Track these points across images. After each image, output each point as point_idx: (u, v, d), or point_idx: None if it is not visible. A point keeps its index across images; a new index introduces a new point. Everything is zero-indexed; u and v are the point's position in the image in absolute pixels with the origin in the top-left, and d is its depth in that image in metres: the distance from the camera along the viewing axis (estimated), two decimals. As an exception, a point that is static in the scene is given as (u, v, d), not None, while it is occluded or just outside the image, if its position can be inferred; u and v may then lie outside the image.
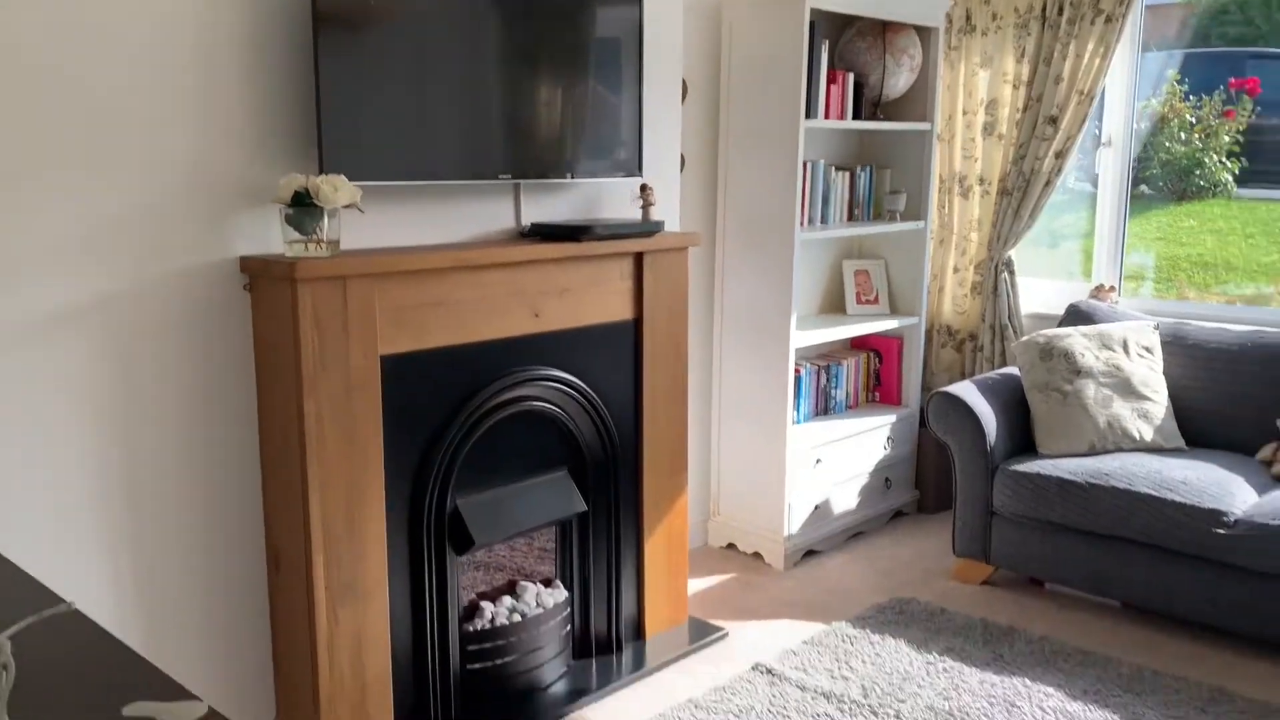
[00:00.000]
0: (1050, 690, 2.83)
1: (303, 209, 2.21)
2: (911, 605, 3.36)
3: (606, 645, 3.03)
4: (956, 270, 4.33)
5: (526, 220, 2.85)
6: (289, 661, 2.45)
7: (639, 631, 3.11)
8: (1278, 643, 2.96)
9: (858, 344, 4.27)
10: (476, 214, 2.74)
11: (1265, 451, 3.33)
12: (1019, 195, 4.07)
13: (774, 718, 2.71)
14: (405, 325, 2.43)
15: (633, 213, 3.11)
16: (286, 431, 2.32)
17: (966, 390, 3.51)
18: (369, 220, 2.50)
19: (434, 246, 2.58)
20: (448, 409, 2.55)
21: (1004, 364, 4.17)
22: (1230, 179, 7.20)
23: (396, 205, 2.57)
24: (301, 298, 2.22)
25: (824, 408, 4.04)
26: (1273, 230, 7.18)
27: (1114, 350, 3.52)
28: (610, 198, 3.07)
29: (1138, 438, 3.41)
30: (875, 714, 2.72)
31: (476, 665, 2.70)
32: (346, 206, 2.26)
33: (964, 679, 2.90)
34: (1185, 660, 3.01)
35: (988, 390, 3.55)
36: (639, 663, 2.98)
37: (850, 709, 2.74)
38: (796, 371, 3.76)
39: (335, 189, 2.20)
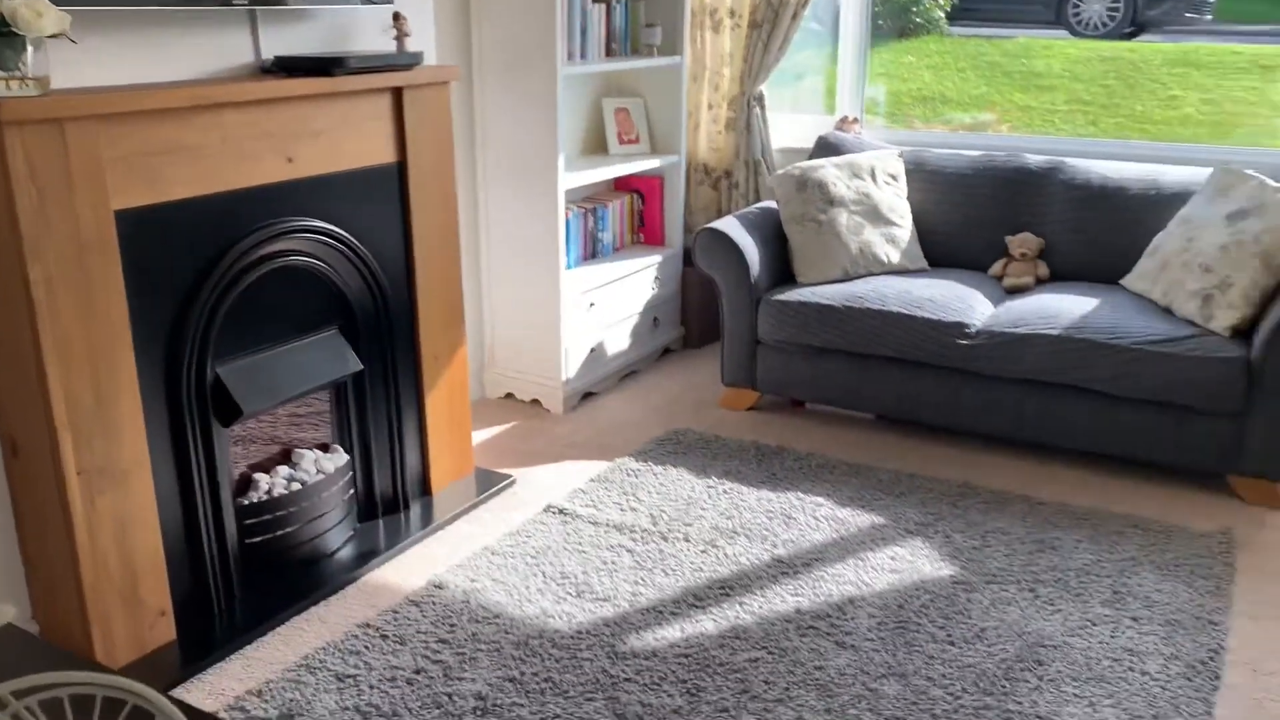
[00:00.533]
0: (821, 500, 3.03)
1: (0, 39, 1.87)
2: (687, 435, 3.47)
3: (393, 505, 2.95)
4: (711, 107, 4.35)
5: (268, 54, 2.57)
6: (42, 555, 2.22)
7: (425, 488, 3.05)
8: (1011, 439, 3.29)
9: (620, 185, 4.24)
10: (209, 47, 2.44)
11: (996, 267, 3.62)
12: (768, 28, 4.10)
13: (570, 553, 2.75)
14: (140, 175, 2.15)
15: (386, 45, 2.88)
16: (12, 302, 2.03)
17: (730, 225, 3.58)
18: (83, 54, 2.16)
19: (165, 84, 2.28)
20: (199, 267, 2.31)
21: (759, 199, 4.28)
22: (943, 16, 7.59)
23: (115, 37, 2.23)
24: (10, 145, 1.90)
25: (592, 252, 4.01)
26: (980, 65, 7.68)
27: (863, 179, 3.68)
28: (360, 30, 2.82)
29: (886, 261, 3.61)
30: (665, 539, 2.82)
31: (257, 539, 2.56)
32: (54, 36, 1.93)
33: (743, 498, 3.04)
34: (935, 462, 3.30)
35: (749, 225, 3.64)
36: (428, 518, 2.93)
37: (642, 537, 2.83)
38: (565, 215, 3.69)
39: (39, 14, 1.87)
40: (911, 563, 2.70)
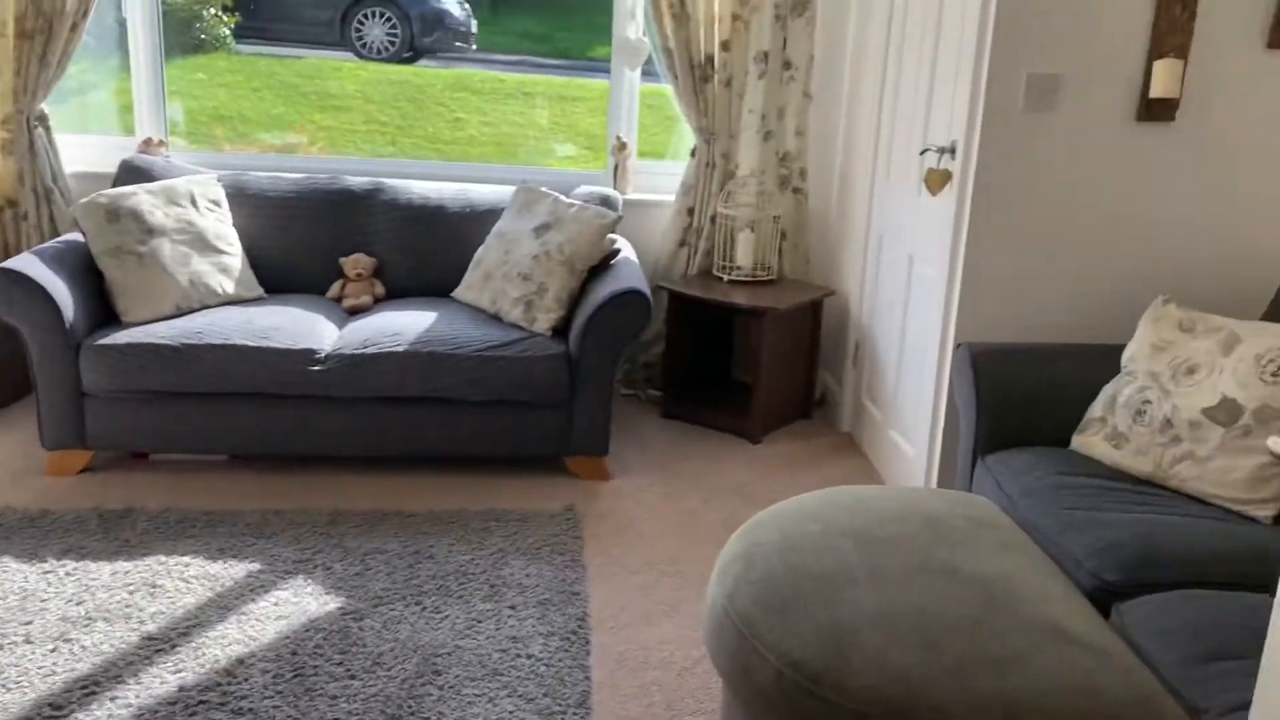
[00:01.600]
0: (187, 559, 2.77)
1: None
2: (7, 516, 2.93)
3: None
4: (-22, 126, 3.70)
5: None
6: None
7: None
8: (375, 458, 3.33)
9: None
10: None
11: (335, 289, 3.63)
12: (43, 39, 3.61)
13: None
14: None
15: None
16: None
17: (29, 264, 3.08)
18: None
19: None
20: None
21: (57, 233, 3.76)
22: (229, 33, 7.38)
23: None
24: None
25: None
26: (275, 84, 7.63)
27: (182, 206, 3.42)
28: None
29: (221, 292, 3.41)
30: (0, 647, 2.35)
31: None
32: None
33: (93, 576, 2.66)
34: (302, 494, 3.21)
35: (53, 262, 3.17)
36: None
37: (-33, 653, 2.32)
38: None
39: None
40: (297, 604, 2.60)
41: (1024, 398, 2.63)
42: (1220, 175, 2.87)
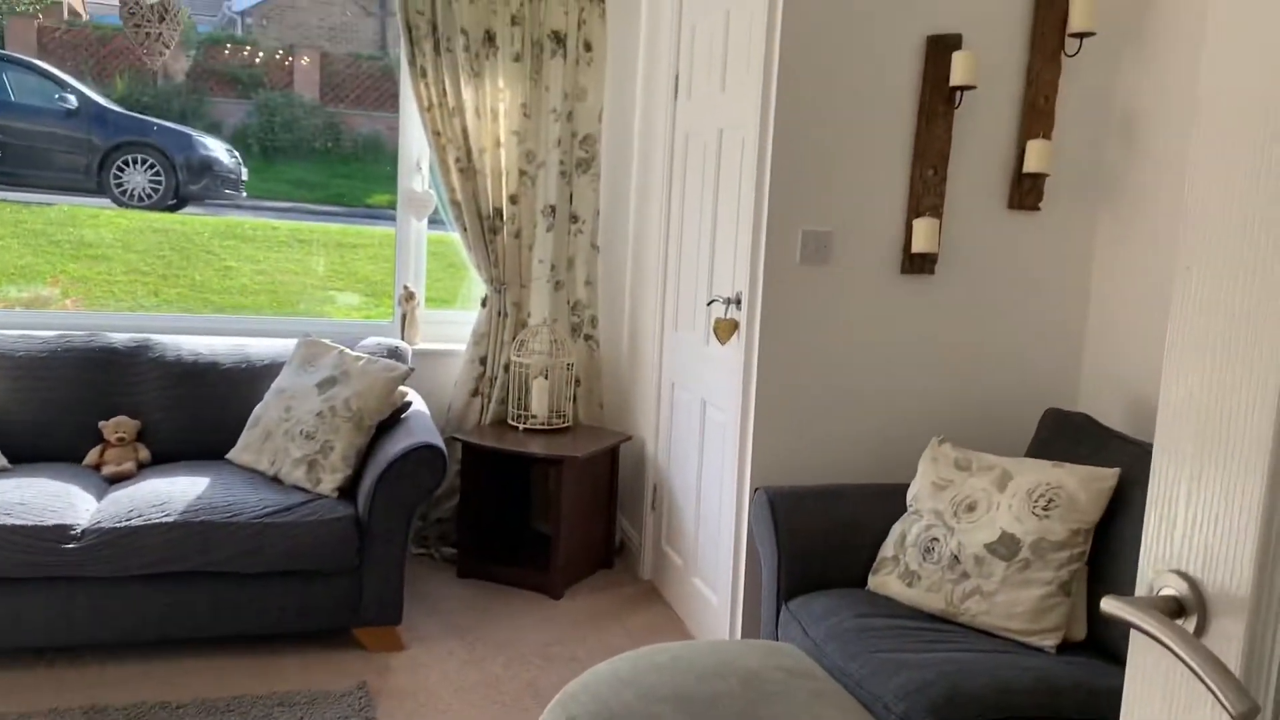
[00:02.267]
0: (-98, 783, 2.36)
1: None
2: None
3: None
4: None
5: None
6: None
7: None
8: (138, 642, 3.00)
9: None
10: None
11: (92, 455, 3.31)
12: None
13: None
14: None
15: None
16: None
17: None
18: None
19: None
20: None
21: None
22: (-29, 180, 6.87)
23: None
24: None
25: None
26: (21, 232, 7.12)
27: (-90, 370, 3.06)
28: None
29: (-45, 464, 3.04)
30: None
31: None
32: None
33: None
34: (54, 691, 2.83)
35: None
36: None
37: None
38: None
39: None
40: (43, 825, 2.25)
41: (822, 541, 2.68)
42: (977, 322, 3.12)
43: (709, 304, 3.23)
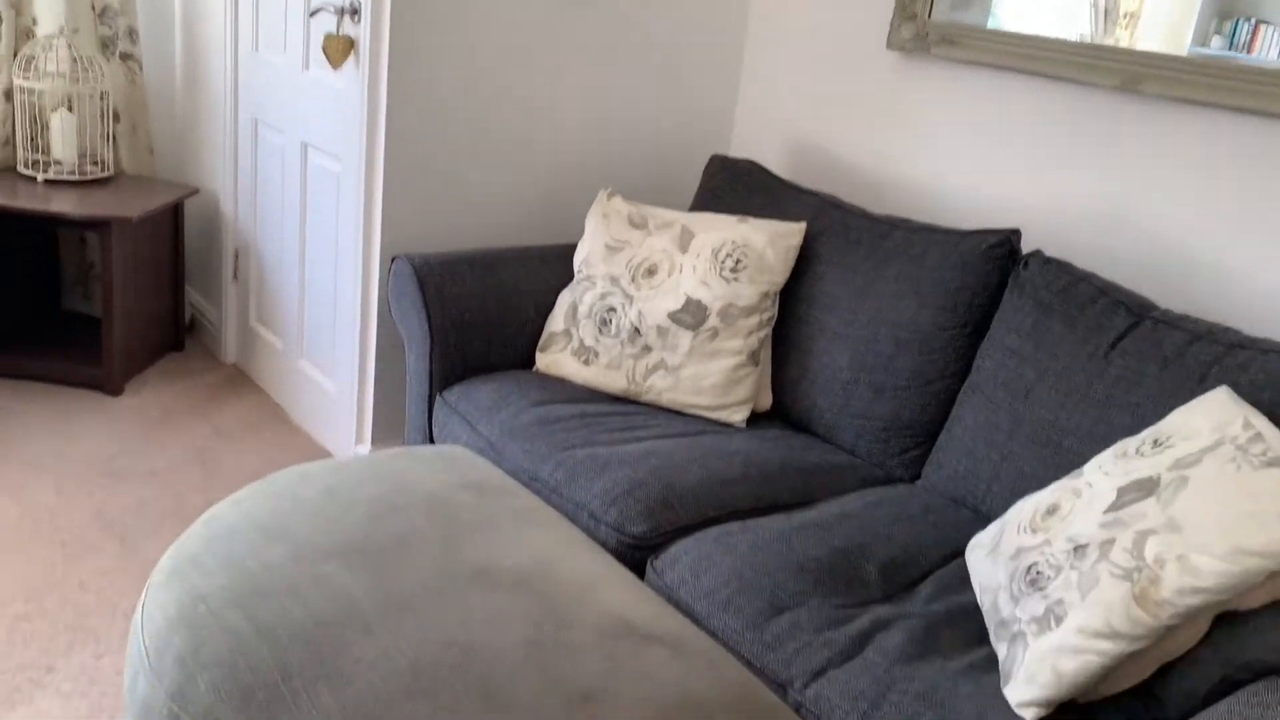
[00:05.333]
0: None
1: None
2: None
3: None
4: None
5: None
6: None
7: None
8: None
9: None
10: None
11: None
12: None
13: None
14: None
15: None
16: None
17: None
18: None
19: None
20: None
21: None
22: None
23: None
24: None
25: None
26: None
27: None
28: None
29: None
30: None
31: None
32: None
33: None
34: None
35: None
36: None
37: None
38: None
39: None
40: None
41: (480, 316, 2.22)
42: (635, 55, 2.68)
43: (312, 14, 2.47)
